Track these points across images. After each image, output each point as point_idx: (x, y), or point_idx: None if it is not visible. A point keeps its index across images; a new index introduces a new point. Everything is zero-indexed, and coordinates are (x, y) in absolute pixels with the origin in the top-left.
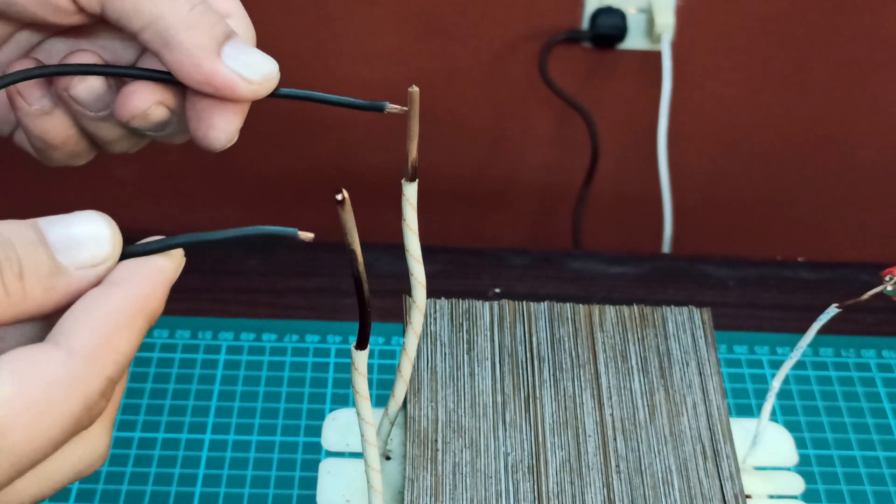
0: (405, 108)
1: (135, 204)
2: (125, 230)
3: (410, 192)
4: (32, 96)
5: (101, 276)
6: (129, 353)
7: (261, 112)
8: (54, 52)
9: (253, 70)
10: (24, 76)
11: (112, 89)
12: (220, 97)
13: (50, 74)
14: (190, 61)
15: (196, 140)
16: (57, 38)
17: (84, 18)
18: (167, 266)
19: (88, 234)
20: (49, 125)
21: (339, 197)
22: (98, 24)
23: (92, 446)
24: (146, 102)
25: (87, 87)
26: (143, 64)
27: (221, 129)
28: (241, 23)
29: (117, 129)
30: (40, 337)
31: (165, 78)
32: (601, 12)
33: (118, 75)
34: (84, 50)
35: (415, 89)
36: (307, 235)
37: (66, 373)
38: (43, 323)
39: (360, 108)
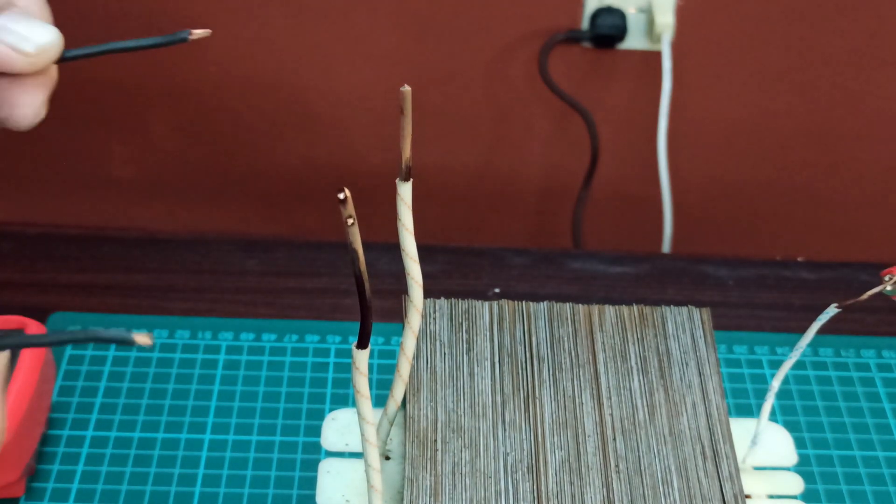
0: (208, 31)
1: (135, 204)
2: (125, 230)
3: (405, 191)
4: None
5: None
6: None
7: (261, 112)
8: None
9: (28, 42)
10: None
11: None
12: (4, 74)
13: None
14: None
15: (3, 122)
16: None
17: None
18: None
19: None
20: None
21: (341, 196)
22: None
23: None
24: None
25: None
26: None
27: (25, 104)
28: None
29: None
30: None
31: None
32: (601, 12)
33: None
34: None
35: (406, 89)
36: (145, 340)
37: None
38: None
39: (162, 45)
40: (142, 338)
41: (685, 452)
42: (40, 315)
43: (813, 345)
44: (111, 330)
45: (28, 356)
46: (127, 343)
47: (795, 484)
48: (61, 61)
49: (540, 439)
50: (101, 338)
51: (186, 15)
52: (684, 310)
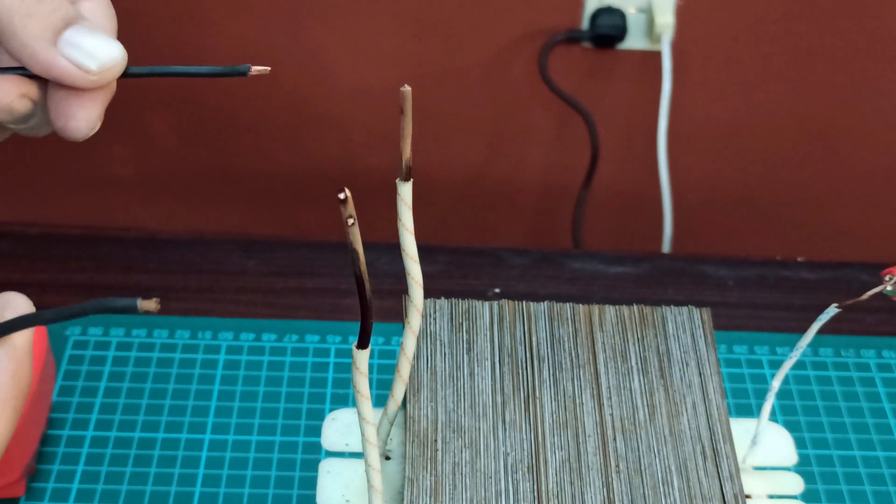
0: (267, 69)
1: (134, 204)
2: (125, 230)
3: (405, 191)
4: None
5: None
6: (6, 436)
7: (261, 112)
8: None
9: (93, 59)
10: None
11: None
12: (64, 85)
13: None
14: (26, 52)
15: (57, 131)
16: None
17: None
18: (20, 341)
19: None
20: None
21: (341, 196)
22: None
23: None
24: (9, 95)
25: None
26: None
27: (81, 118)
28: (100, 4)
29: None
30: None
31: (22, 72)
32: (601, 12)
33: None
34: None
35: (407, 89)
36: (149, 306)
37: None
38: None
39: (222, 76)
40: (148, 304)
41: (685, 452)
42: None
43: (813, 345)
44: (118, 299)
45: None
46: (132, 311)
47: (795, 484)
48: (123, 77)
49: (540, 439)
50: (109, 307)
51: (186, 15)
52: (684, 310)
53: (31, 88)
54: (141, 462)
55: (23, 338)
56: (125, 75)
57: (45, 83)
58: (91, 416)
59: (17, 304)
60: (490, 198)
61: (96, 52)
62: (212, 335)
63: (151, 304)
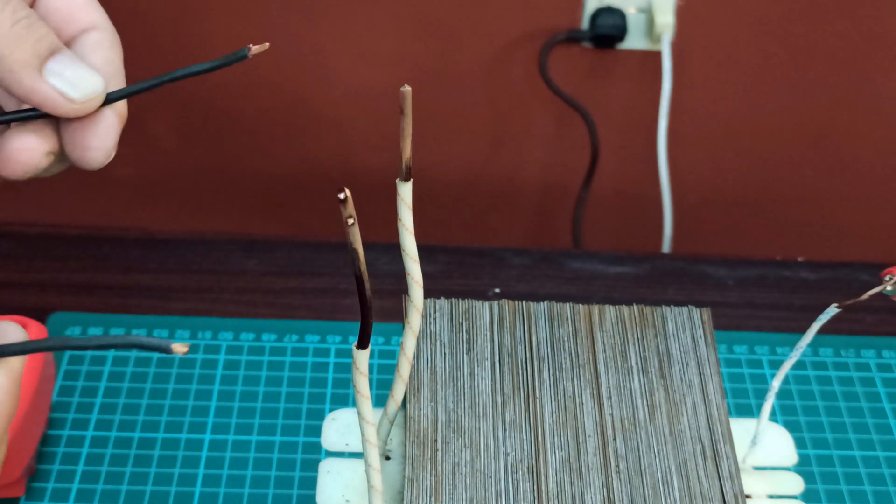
0: (265, 45)
1: (135, 204)
2: (125, 230)
3: (405, 191)
4: None
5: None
6: None
7: (261, 112)
8: None
9: (75, 88)
10: None
11: None
12: (45, 112)
13: None
14: (11, 77)
15: (74, 162)
16: None
17: None
18: (17, 366)
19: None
20: None
21: (341, 196)
22: None
23: None
24: (37, 156)
25: None
26: None
27: (97, 147)
28: (106, 35)
29: None
30: None
31: (32, 115)
32: (601, 12)
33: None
34: None
35: (407, 89)
36: (181, 349)
37: None
38: None
39: (223, 66)
40: (179, 347)
41: (685, 452)
42: (40, 315)
43: (813, 345)
44: (151, 337)
45: (29, 356)
46: (165, 352)
47: (795, 484)
48: (106, 103)
49: (540, 439)
50: (142, 344)
51: (186, 15)
52: (684, 310)
53: (52, 141)
54: (141, 462)
55: (19, 363)
56: (107, 101)
57: (57, 123)
58: (91, 416)
59: (11, 334)
60: (490, 198)
61: (79, 82)
62: (212, 335)
63: (182, 349)
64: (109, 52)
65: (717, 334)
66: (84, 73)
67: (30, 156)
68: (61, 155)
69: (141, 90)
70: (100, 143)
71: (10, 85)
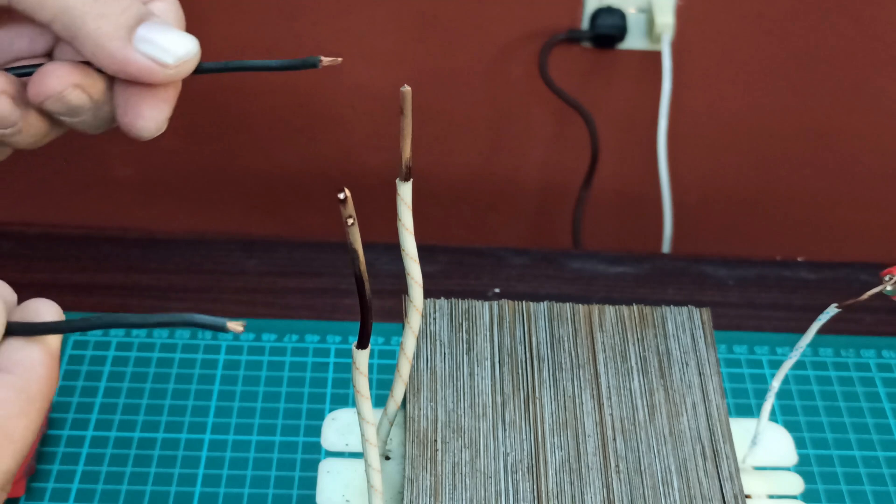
0: (338, 59)
1: (134, 204)
2: (125, 230)
3: (405, 191)
4: None
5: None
6: (29, 438)
7: (261, 112)
8: None
9: (168, 53)
10: None
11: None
12: (140, 83)
13: None
14: (101, 52)
15: (123, 127)
16: None
17: None
18: (54, 343)
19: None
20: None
21: (341, 196)
22: (7, 12)
23: None
24: (62, 83)
25: None
26: (59, 49)
27: (149, 117)
28: (171, 5)
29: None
30: None
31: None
32: (601, 12)
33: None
34: None
35: (407, 89)
36: (236, 328)
37: None
38: None
39: (291, 68)
40: (235, 326)
41: (685, 452)
42: None
43: (813, 345)
44: (206, 316)
45: None
46: (221, 330)
47: (795, 484)
48: (195, 72)
49: (540, 439)
50: (197, 323)
51: (186, 14)
52: (684, 310)
53: (89, 81)
54: (141, 462)
55: (57, 342)
56: (198, 70)
57: (110, 80)
58: (91, 416)
59: (45, 312)
60: (490, 198)
61: (171, 46)
62: (212, 335)
63: (238, 327)
64: (176, 22)
65: (717, 334)
66: (175, 36)
67: (56, 83)
68: (97, 103)
69: (227, 69)
70: (155, 113)
71: (100, 60)
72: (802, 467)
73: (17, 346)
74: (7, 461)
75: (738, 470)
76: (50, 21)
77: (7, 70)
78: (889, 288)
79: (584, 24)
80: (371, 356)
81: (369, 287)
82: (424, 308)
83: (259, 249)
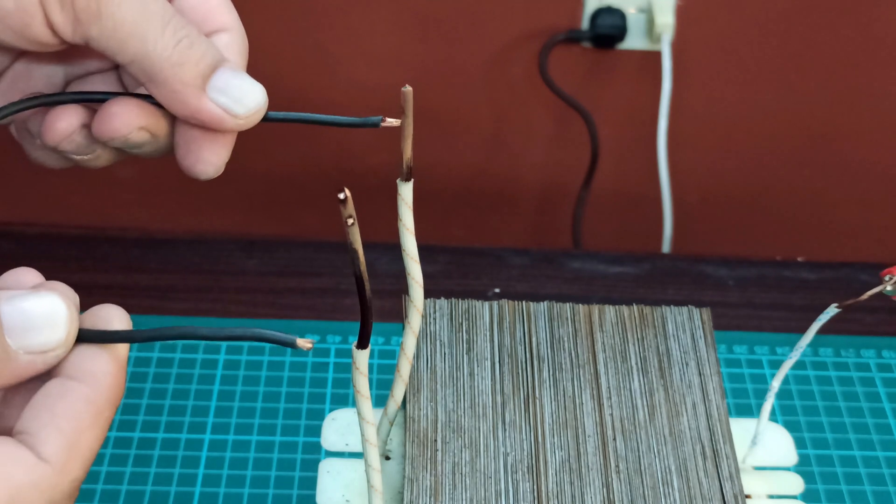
0: (398, 121)
1: (135, 204)
2: (125, 230)
3: (406, 191)
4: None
5: (49, 363)
6: (96, 448)
7: None
8: (32, 68)
9: (240, 104)
10: (22, 107)
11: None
12: (209, 130)
13: (46, 104)
14: (175, 97)
15: (183, 168)
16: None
17: (66, 46)
18: (123, 352)
19: (44, 316)
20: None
21: (341, 196)
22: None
23: None
24: (128, 127)
25: (68, 124)
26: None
27: (209, 162)
28: (236, 38)
29: (98, 148)
30: None
31: (154, 102)
32: (601, 12)
33: (103, 100)
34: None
35: (408, 89)
36: (306, 345)
37: (36, 479)
38: None
39: (354, 126)
40: (304, 343)
41: (685, 452)
42: None
43: (813, 345)
44: (276, 332)
45: None
46: (291, 346)
47: (795, 484)
48: (262, 121)
49: (540, 439)
50: (267, 338)
51: None
52: (684, 310)
53: (153, 122)
54: (141, 462)
55: (125, 350)
56: (264, 119)
57: (173, 119)
58: None
59: (116, 320)
60: (490, 198)
61: (243, 97)
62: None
63: (307, 343)
64: (238, 57)
65: (717, 334)
66: (247, 87)
67: (120, 123)
68: (159, 140)
69: (291, 120)
70: (214, 158)
71: (173, 105)
72: (802, 467)
73: (88, 354)
74: (77, 472)
75: (738, 470)
76: (127, 63)
77: (77, 94)
78: (889, 288)
79: (584, 24)
80: (371, 356)
81: (369, 287)
82: (424, 308)
83: (259, 249)
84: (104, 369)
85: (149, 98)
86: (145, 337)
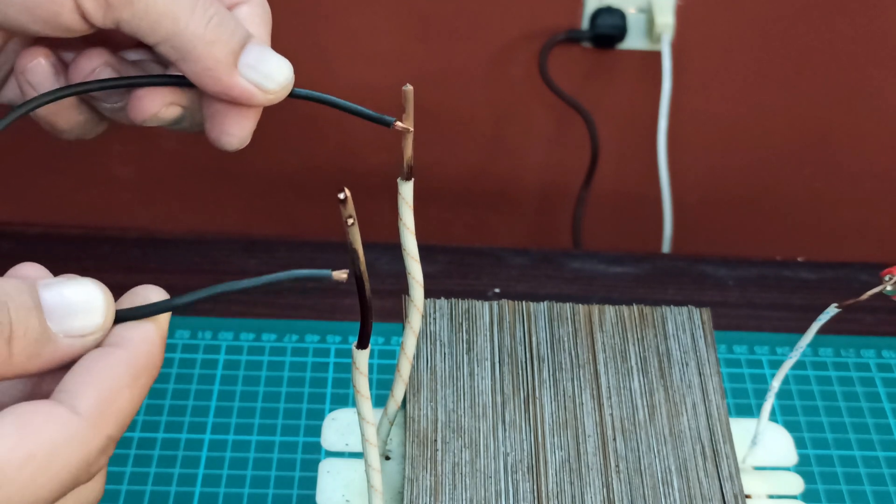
0: (409, 128)
1: (135, 204)
2: (125, 230)
3: (407, 191)
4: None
5: (88, 346)
6: (132, 411)
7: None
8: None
9: (270, 79)
10: (53, 98)
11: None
12: (238, 105)
13: (76, 94)
14: (208, 74)
15: (210, 140)
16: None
17: (96, 29)
18: (164, 321)
19: (83, 301)
20: (61, 116)
21: (341, 196)
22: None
23: (86, 495)
24: (157, 105)
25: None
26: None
27: (235, 134)
28: (257, 9)
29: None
30: (25, 391)
31: (181, 83)
32: (601, 12)
33: (140, 86)
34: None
35: (409, 88)
36: (341, 276)
37: (70, 433)
38: (31, 379)
39: (369, 119)
40: (339, 274)
41: (685, 452)
42: None
43: (813, 345)
44: (310, 270)
45: None
46: (326, 280)
47: (795, 484)
48: (288, 97)
49: (540, 439)
50: (302, 277)
51: None
52: (684, 310)
53: (181, 97)
54: (141, 462)
55: (165, 320)
56: (291, 95)
57: (198, 92)
58: None
59: (154, 297)
60: (490, 198)
61: (273, 72)
62: (212, 335)
63: (342, 275)
64: (260, 28)
65: (717, 334)
66: (275, 63)
67: (150, 103)
68: (192, 113)
69: (318, 100)
70: (239, 130)
71: (205, 83)
72: (802, 467)
73: (129, 324)
74: (111, 429)
75: (738, 470)
76: (159, 43)
77: (112, 80)
78: (889, 288)
79: (584, 24)
80: (371, 356)
81: (369, 287)
82: (424, 308)
83: (259, 249)
84: (143, 336)
85: (175, 80)
86: (183, 303)
